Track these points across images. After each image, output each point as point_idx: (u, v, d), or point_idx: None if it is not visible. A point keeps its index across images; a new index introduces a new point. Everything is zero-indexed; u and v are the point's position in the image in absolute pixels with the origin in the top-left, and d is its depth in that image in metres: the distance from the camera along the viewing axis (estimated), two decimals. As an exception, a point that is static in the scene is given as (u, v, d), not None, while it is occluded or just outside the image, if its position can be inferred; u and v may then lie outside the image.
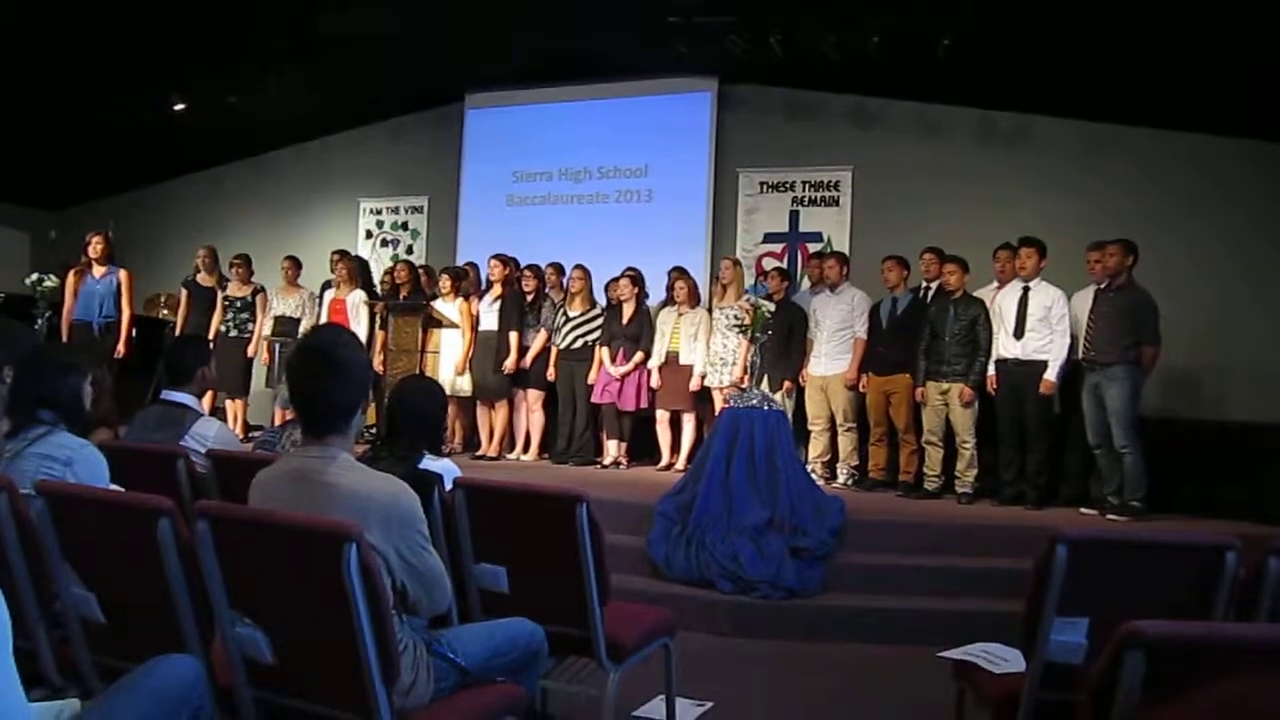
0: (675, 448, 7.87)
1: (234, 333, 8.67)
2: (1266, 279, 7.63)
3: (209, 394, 7.76)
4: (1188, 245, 7.71)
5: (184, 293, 8.92)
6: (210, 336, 8.36)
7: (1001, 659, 2.88)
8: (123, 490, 2.91)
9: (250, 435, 7.98)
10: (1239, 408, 7.28)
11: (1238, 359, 7.60)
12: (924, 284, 7.37)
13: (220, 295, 8.78)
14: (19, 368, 3.04)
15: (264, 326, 8.73)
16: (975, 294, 7.00)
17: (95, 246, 8.11)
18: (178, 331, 8.74)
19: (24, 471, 2.75)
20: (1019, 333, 6.63)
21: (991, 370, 6.71)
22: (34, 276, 8.55)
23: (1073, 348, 6.56)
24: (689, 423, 7.77)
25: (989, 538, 5.74)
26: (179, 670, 2.16)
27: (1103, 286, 6.47)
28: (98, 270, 8.12)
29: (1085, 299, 6.61)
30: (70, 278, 8.13)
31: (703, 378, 7.65)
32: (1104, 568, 2.51)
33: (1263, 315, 7.58)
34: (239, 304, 8.74)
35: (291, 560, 2.22)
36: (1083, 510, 6.53)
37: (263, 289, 8.89)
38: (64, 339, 7.97)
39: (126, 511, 2.46)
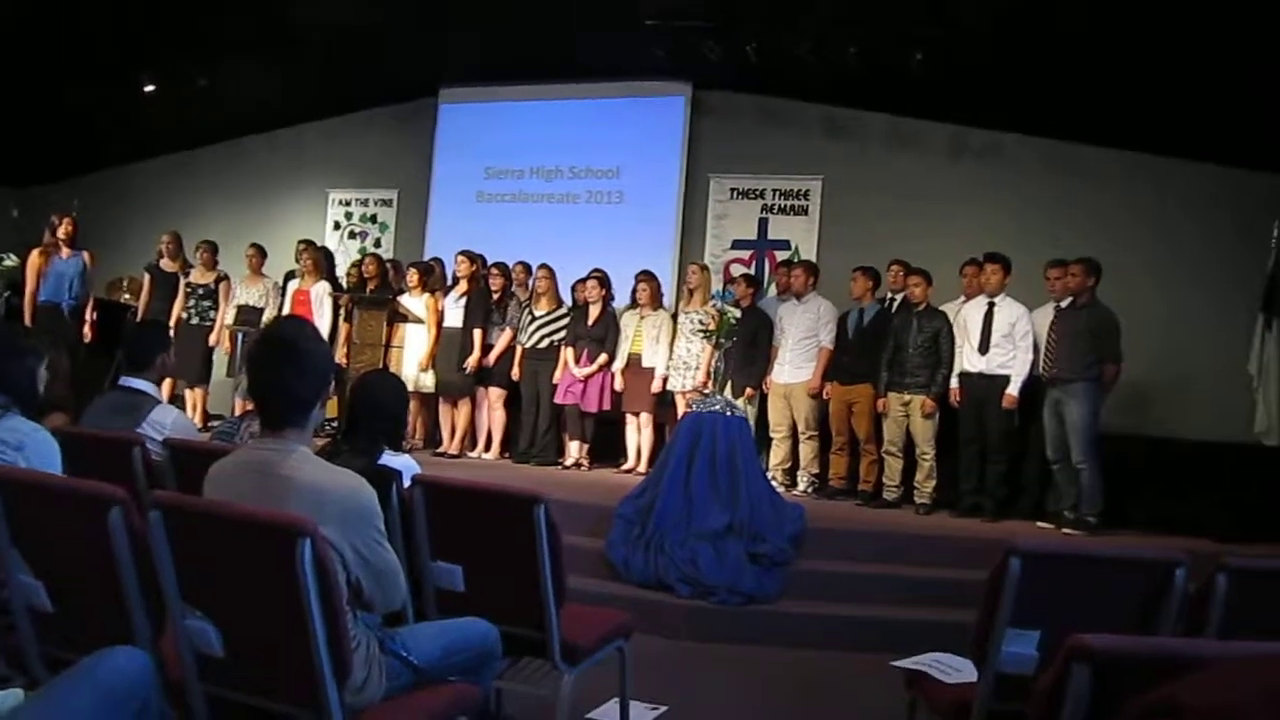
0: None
1: (196, 320, 8.57)
2: (1221, 300, 7.75)
3: (168, 382, 7.67)
4: (1146, 265, 7.83)
5: (147, 277, 8.81)
6: (171, 323, 8.26)
7: (954, 669, 2.90)
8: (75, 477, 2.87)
9: (209, 425, 7.88)
10: (1193, 426, 7.39)
11: (1193, 378, 7.72)
12: (890, 295, 7.44)
13: (183, 281, 8.67)
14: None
15: (226, 315, 8.64)
16: (942, 307, 7.07)
17: (64, 228, 7.98)
18: (139, 316, 8.62)
19: (-26, 455, 2.70)
20: (984, 347, 6.70)
21: (955, 383, 6.78)
22: (-5, 255, 8.42)
23: (1034, 363, 6.64)
24: (648, 426, 7.78)
25: (946, 548, 5.78)
26: (127, 662, 2.12)
27: (1064, 304, 6.56)
28: (64, 251, 7.99)
29: (1045, 315, 6.70)
30: (35, 257, 7.99)
31: (664, 381, 7.66)
32: (1056, 581, 2.53)
33: (1217, 335, 7.70)
34: (202, 291, 8.64)
35: (245, 553, 2.19)
36: (1039, 523, 6.60)
37: (226, 277, 8.79)
38: (26, 320, 7.83)
39: (78, 499, 2.41)
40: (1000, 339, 6.66)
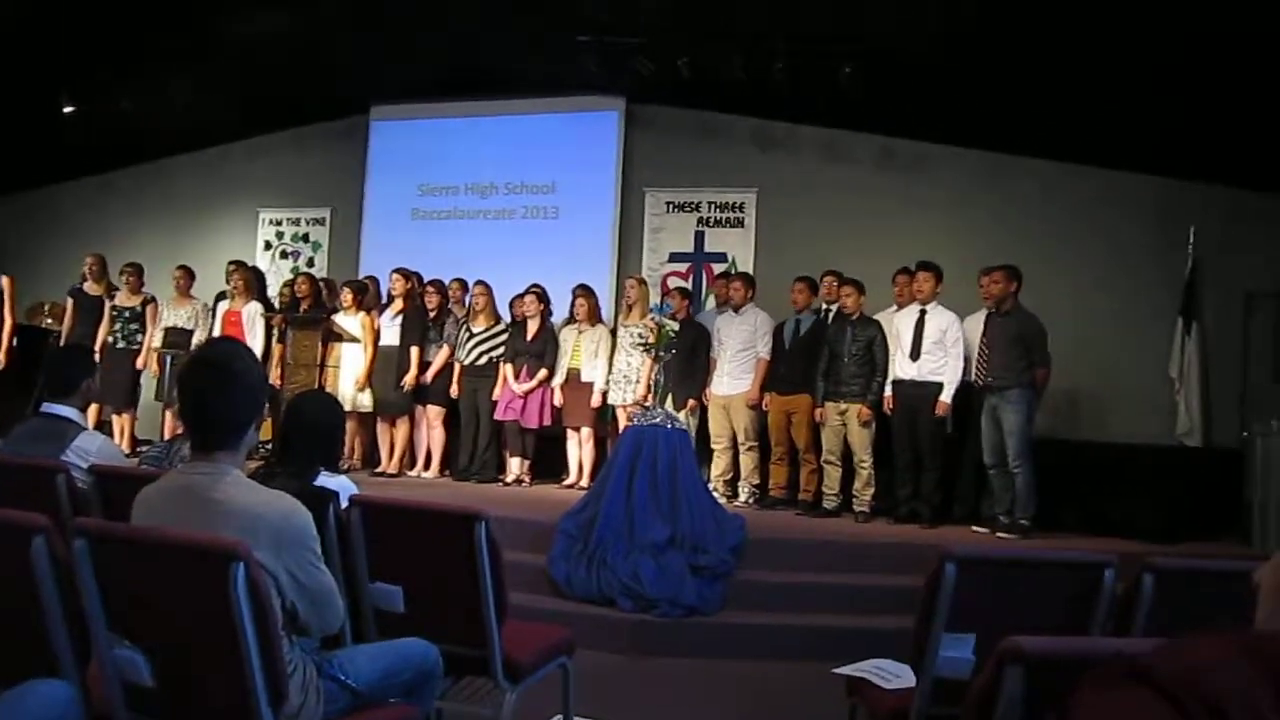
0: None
1: (122, 344, 8.38)
2: (1143, 305, 7.99)
3: (94, 408, 7.48)
4: (1072, 271, 8.04)
5: (70, 301, 8.59)
6: (97, 347, 8.06)
7: (894, 675, 2.93)
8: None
9: (138, 450, 7.70)
10: (1119, 429, 7.60)
11: (1117, 382, 7.93)
12: (825, 305, 7.52)
13: (108, 305, 8.47)
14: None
15: (154, 338, 8.46)
16: (875, 316, 7.16)
17: None
18: (62, 341, 8.40)
19: (-113, 487, 2.60)
20: (915, 354, 6.80)
21: (889, 391, 6.87)
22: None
23: (965, 369, 6.75)
24: (589, 441, 7.77)
25: (884, 555, 5.86)
26: (51, 695, 2.07)
27: (993, 311, 6.69)
28: (-23, 276, 7.78)
29: (977, 322, 6.82)
30: (-55, 284, 7.78)
31: (604, 395, 7.66)
32: (990, 585, 2.58)
33: (1141, 340, 7.93)
34: (128, 314, 8.45)
35: (176, 580, 2.14)
36: (975, 528, 6.71)
37: (154, 299, 8.62)
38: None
39: (-2, 529, 2.34)
40: (931, 346, 6.76)
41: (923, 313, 6.86)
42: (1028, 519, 6.40)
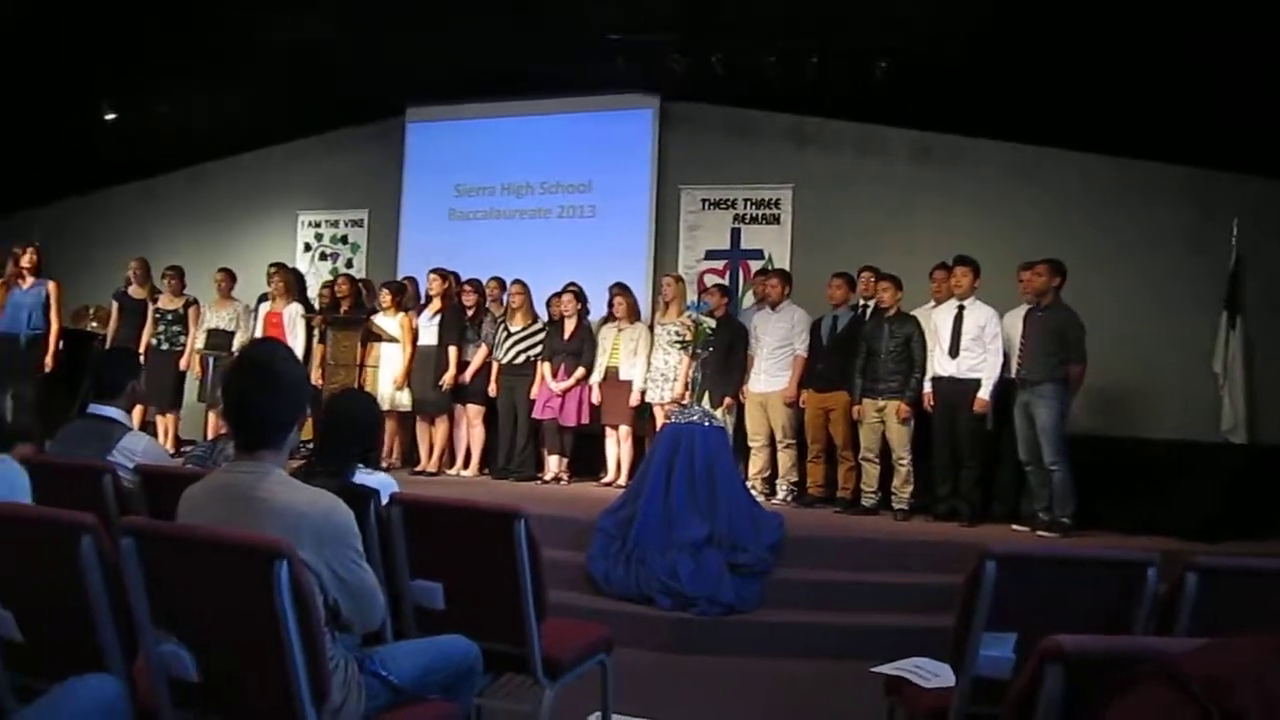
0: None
1: (165, 346, 8.52)
2: (1186, 299, 7.85)
3: (139, 409, 7.60)
4: (1111, 265, 7.92)
5: (114, 305, 8.75)
6: (140, 349, 8.20)
7: (933, 674, 2.91)
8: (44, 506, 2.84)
9: (182, 450, 7.81)
10: (1163, 426, 7.48)
11: (1160, 378, 7.80)
12: (862, 302, 7.48)
13: (151, 308, 8.61)
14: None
15: (196, 339, 8.58)
16: (912, 312, 7.11)
17: (27, 258, 7.93)
18: (107, 344, 8.55)
19: (-59, 487, 2.67)
20: (954, 351, 6.74)
21: (928, 387, 6.82)
22: (-46, 288, 8.33)
23: (1005, 366, 6.69)
24: (627, 439, 7.78)
25: (923, 553, 5.82)
26: (99, 690, 2.11)
27: (1032, 306, 6.62)
28: (26, 282, 7.93)
29: (1017, 318, 6.74)
30: (-5, 289, 7.94)
31: (642, 393, 7.67)
32: (1031, 583, 2.55)
33: (1183, 335, 7.79)
34: (171, 317, 8.59)
35: (220, 577, 2.18)
36: (1014, 526, 6.64)
37: (195, 301, 8.75)
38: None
39: (47, 528, 2.39)
40: (970, 342, 6.70)
41: (961, 308, 6.80)
42: (1068, 517, 6.32)
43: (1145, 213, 8.10)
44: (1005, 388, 6.73)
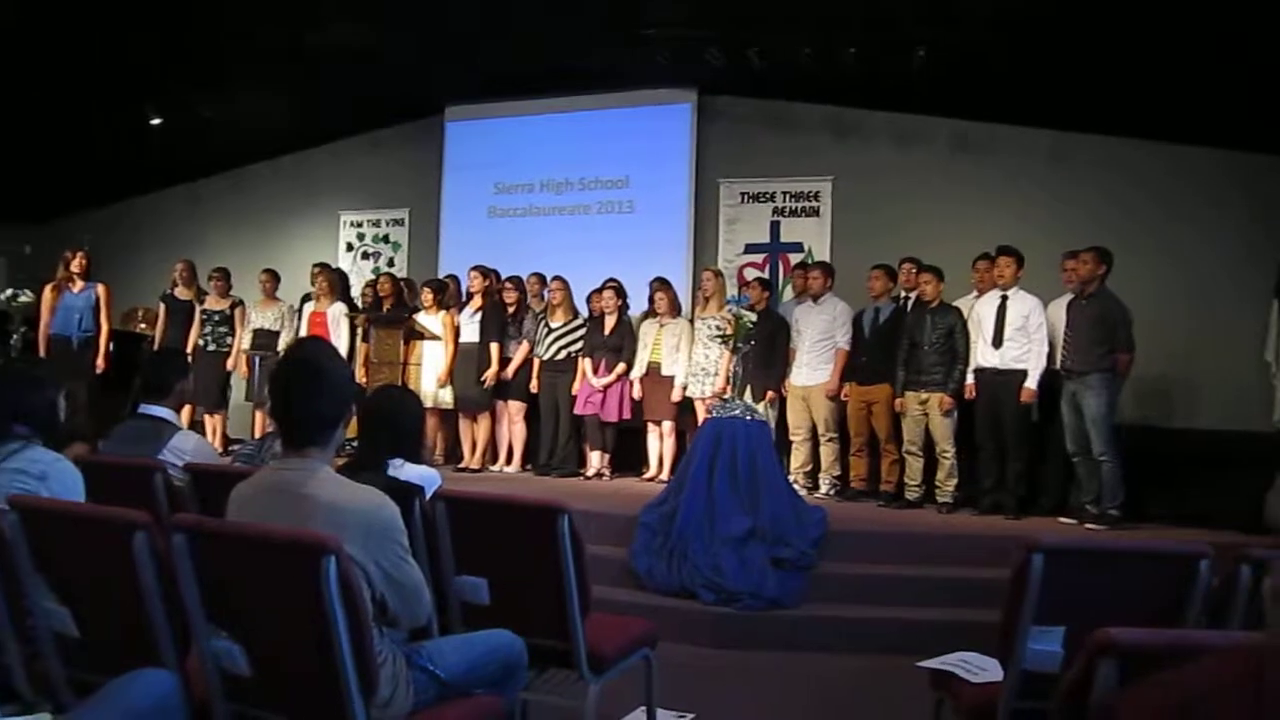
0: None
1: (212, 346, 8.64)
2: (1238, 286, 7.70)
3: (187, 408, 7.73)
4: (1161, 253, 7.80)
5: (161, 307, 8.88)
6: (188, 350, 8.33)
7: (980, 668, 2.89)
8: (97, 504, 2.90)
9: (229, 448, 7.93)
10: (1213, 416, 7.35)
11: (1209, 367, 7.66)
12: (904, 293, 7.42)
13: (198, 309, 8.74)
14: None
15: (242, 340, 8.70)
16: (955, 303, 7.05)
17: (77, 262, 8.10)
18: (155, 346, 8.69)
19: (-2, 487, 2.73)
20: (997, 342, 6.66)
21: (970, 379, 6.75)
22: (8, 292, 8.55)
23: (1050, 356, 6.60)
24: (670, 434, 7.78)
25: (969, 547, 5.75)
26: (154, 684, 2.15)
27: (1076, 295, 6.53)
28: (76, 285, 8.10)
29: (1061, 307, 6.66)
30: (47, 293, 8.13)
31: (684, 389, 7.66)
32: (1079, 576, 2.52)
33: (1235, 323, 7.64)
34: (217, 317, 8.71)
35: (269, 573, 2.21)
36: (1061, 519, 6.56)
37: (241, 302, 8.86)
38: (41, 354, 7.94)
39: (101, 526, 2.44)
40: (1014, 332, 6.62)
41: (1004, 298, 6.72)
42: (1116, 509, 6.23)
43: (1191, 199, 7.96)
44: (1049, 378, 6.64)
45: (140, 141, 9.86)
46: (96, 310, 8.14)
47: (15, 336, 8.39)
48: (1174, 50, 6.66)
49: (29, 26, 7.63)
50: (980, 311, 6.85)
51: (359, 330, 8.59)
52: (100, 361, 8.08)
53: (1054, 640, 2.47)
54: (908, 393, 6.91)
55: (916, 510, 6.86)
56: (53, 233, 11.07)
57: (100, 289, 8.20)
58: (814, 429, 7.45)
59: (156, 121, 9.48)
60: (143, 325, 9.94)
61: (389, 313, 8.51)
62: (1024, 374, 6.57)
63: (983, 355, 6.72)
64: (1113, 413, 6.32)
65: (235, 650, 2.24)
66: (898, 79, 8.00)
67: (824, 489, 7.39)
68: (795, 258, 9.19)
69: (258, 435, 7.54)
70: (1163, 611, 2.51)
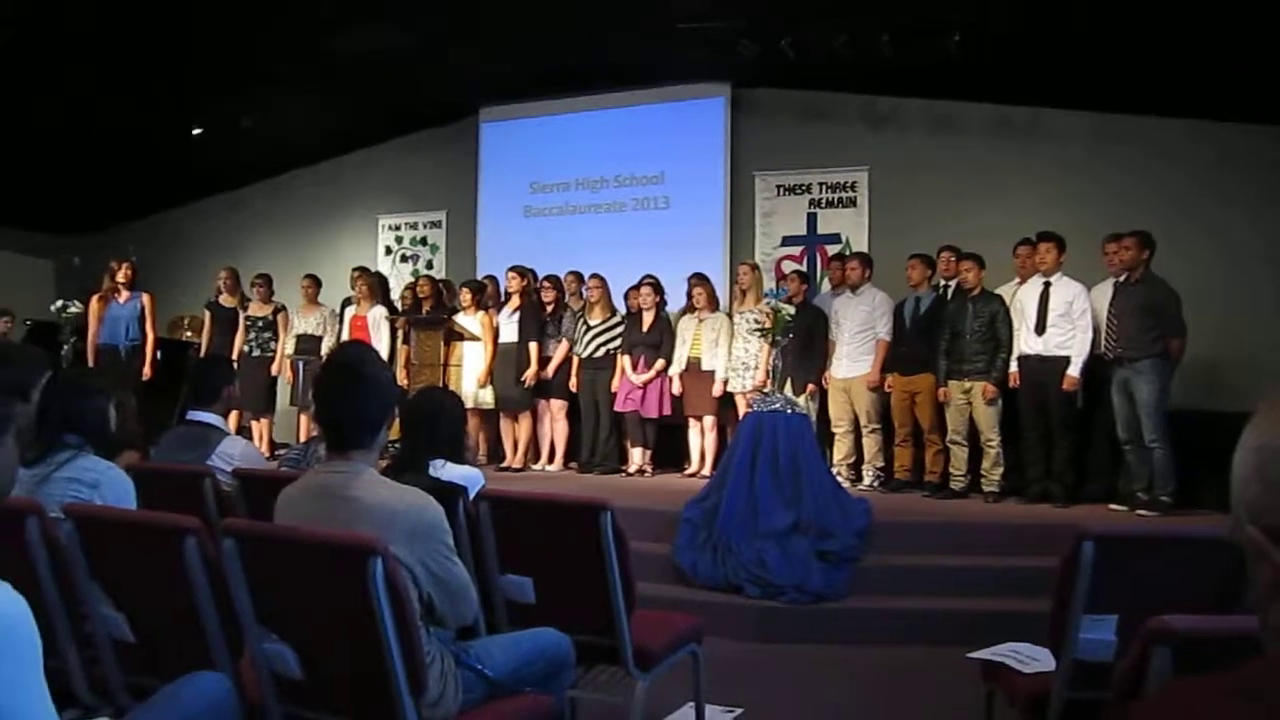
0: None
1: (257, 352, 8.76)
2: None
3: (234, 413, 7.83)
4: (1208, 234, 7.63)
5: (207, 314, 9.04)
6: (234, 356, 8.45)
7: (1031, 658, 2.86)
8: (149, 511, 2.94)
9: (276, 453, 8.03)
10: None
11: (1260, 350, 7.49)
12: (944, 282, 7.35)
13: (242, 315, 8.87)
14: (44, 392, 3.08)
15: (286, 345, 8.82)
16: (996, 290, 6.97)
17: (123, 272, 8.24)
18: (202, 352, 8.83)
19: (52, 495, 2.78)
20: (1040, 328, 6.59)
21: (1014, 367, 6.67)
22: (59, 303, 8.72)
23: (1093, 342, 6.51)
24: (711, 429, 7.76)
25: (1016, 536, 5.69)
26: (209, 687, 2.18)
27: (1121, 280, 6.43)
28: (122, 295, 8.24)
29: (1104, 292, 6.56)
30: (94, 303, 8.28)
31: (725, 383, 7.64)
32: (1131, 564, 2.49)
33: (1284, 304, 7.49)
34: (261, 323, 8.83)
35: (318, 575, 2.24)
36: (1112, 506, 6.47)
37: (284, 308, 8.97)
38: (90, 363, 8.09)
39: (153, 532, 2.48)
40: (1057, 319, 6.53)
41: (1047, 285, 6.63)
42: (1168, 496, 6.13)
43: (1241, 177, 7.77)
44: (1092, 363, 6.54)
45: (182, 152, 10.01)
46: (142, 319, 8.28)
47: (65, 347, 8.56)
48: (1215, 24, 6.52)
49: (77, 44, 7.77)
50: (1023, 298, 6.77)
51: (399, 333, 8.66)
52: (147, 370, 8.21)
53: (1106, 629, 2.44)
54: (951, 382, 6.85)
55: (962, 500, 6.80)
56: (100, 244, 11.26)
57: (145, 298, 8.34)
58: (856, 421, 7.40)
59: (198, 132, 9.62)
60: (188, 333, 10.10)
61: (428, 315, 8.57)
62: (1068, 360, 6.48)
63: (1026, 342, 6.64)
64: (1166, 399, 6.22)
65: (287, 653, 2.26)
66: (933, 65, 7.90)
67: (868, 480, 7.34)
68: (833, 249, 9.13)
69: (303, 439, 7.64)
70: (1217, 599, 2.47)
